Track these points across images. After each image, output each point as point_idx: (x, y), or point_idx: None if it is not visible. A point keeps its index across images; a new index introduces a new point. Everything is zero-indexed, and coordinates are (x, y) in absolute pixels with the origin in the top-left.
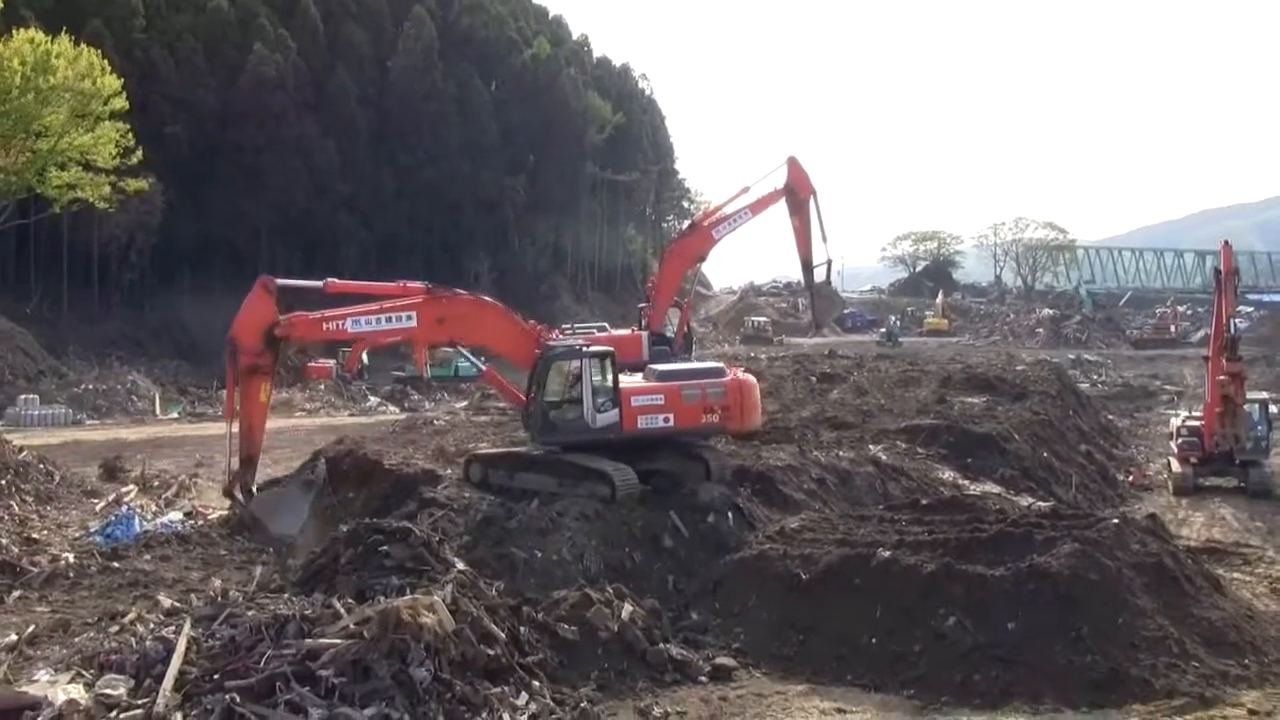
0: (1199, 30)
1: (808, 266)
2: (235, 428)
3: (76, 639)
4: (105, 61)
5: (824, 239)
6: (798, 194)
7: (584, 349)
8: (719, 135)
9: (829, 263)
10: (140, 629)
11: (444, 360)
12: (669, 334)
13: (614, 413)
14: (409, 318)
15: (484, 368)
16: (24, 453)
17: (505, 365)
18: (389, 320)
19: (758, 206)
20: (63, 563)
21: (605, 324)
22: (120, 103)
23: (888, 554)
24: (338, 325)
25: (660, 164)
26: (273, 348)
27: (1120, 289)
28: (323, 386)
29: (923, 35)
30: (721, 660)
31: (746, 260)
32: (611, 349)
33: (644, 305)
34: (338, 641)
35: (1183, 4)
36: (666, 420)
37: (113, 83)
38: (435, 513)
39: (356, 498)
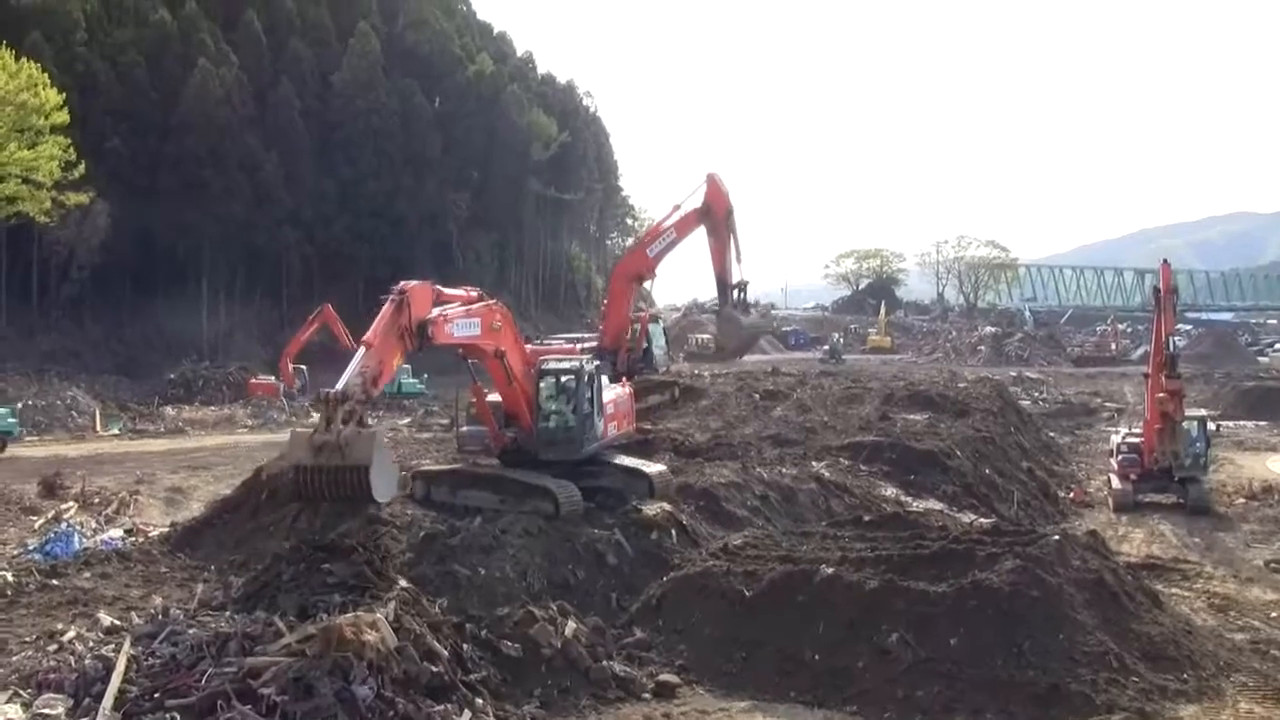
0: (1137, 52)
1: (722, 286)
2: (364, 359)
3: (14, 658)
4: (46, 75)
5: (738, 259)
6: (714, 212)
7: (597, 365)
8: (663, 152)
9: (741, 285)
10: (79, 647)
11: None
12: (632, 349)
13: (601, 423)
14: (476, 324)
15: (475, 383)
16: None
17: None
18: (468, 326)
19: (681, 226)
20: (0, 581)
21: (582, 335)
22: (61, 117)
23: (830, 571)
24: (450, 330)
25: (604, 181)
26: (419, 339)
27: (1061, 307)
28: (265, 402)
29: (866, 56)
30: (665, 677)
31: (691, 277)
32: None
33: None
34: (280, 659)
35: (1119, 27)
36: (617, 427)
37: (54, 97)
38: (378, 530)
39: (299, 514)
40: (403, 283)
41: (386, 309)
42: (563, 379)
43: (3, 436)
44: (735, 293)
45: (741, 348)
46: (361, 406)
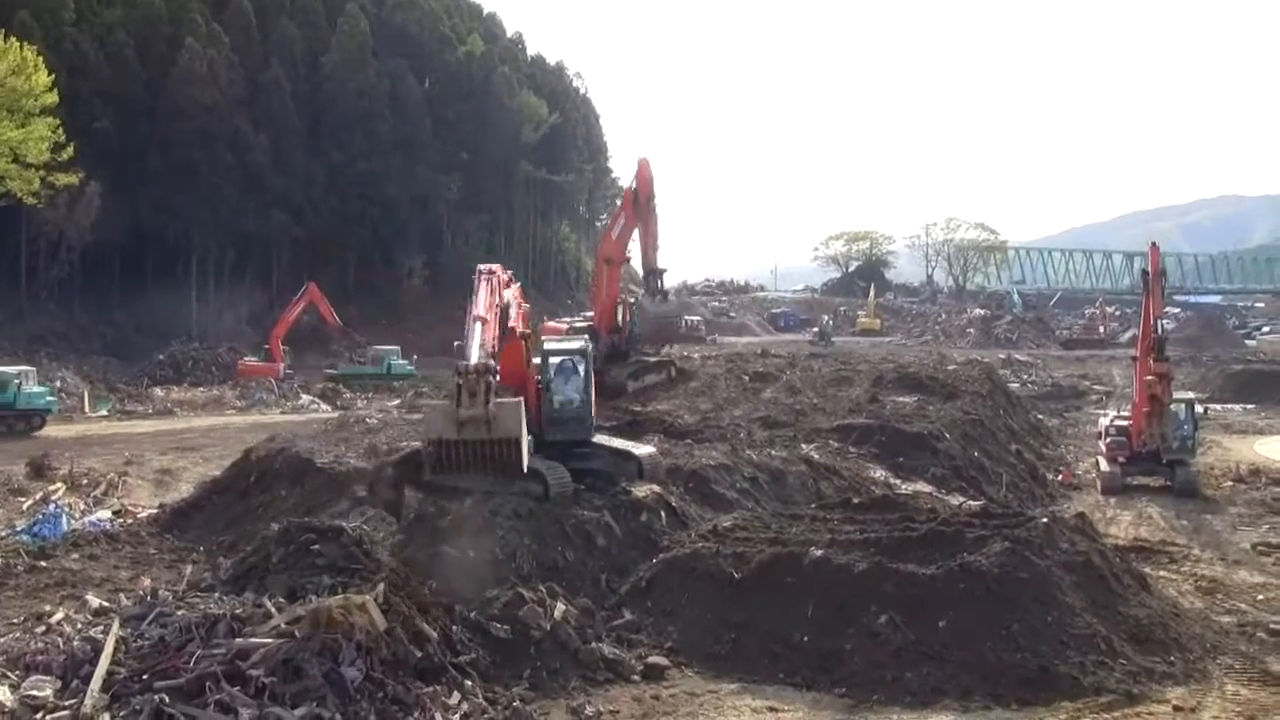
0: (1126, 34)
1: (646, 272)
2: (483, 332)
3: (2, 640)
4: (40, 58)
5: (655, 247)
6: (639, 196)
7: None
8: (653, 133)
9: (655, 274)
10: (67, 629)
11: (377, 359)
12: (619, 329)
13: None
14: (515, 306)
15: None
16: None
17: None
18: (514, 307)
19: (626, 209)
20: None
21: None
22: (51, 98)
23: (820, 553)
24: (513, 312)
25: (594, 162)
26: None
27: (1050, 289)
28: (254, 384)
29: (857, 37)
30: (654, 659)
31: (679, 259)
32: None
33: None
34: (268, 641)
35: (1108, 10)
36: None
37: (44, 79)
38: (367, 511)
39: (288, 496)
40: (482, 265)
41: (483, 287)
42: (573, 360)
43: (41, 413)
44: (650, 280)
45: (653, 336)
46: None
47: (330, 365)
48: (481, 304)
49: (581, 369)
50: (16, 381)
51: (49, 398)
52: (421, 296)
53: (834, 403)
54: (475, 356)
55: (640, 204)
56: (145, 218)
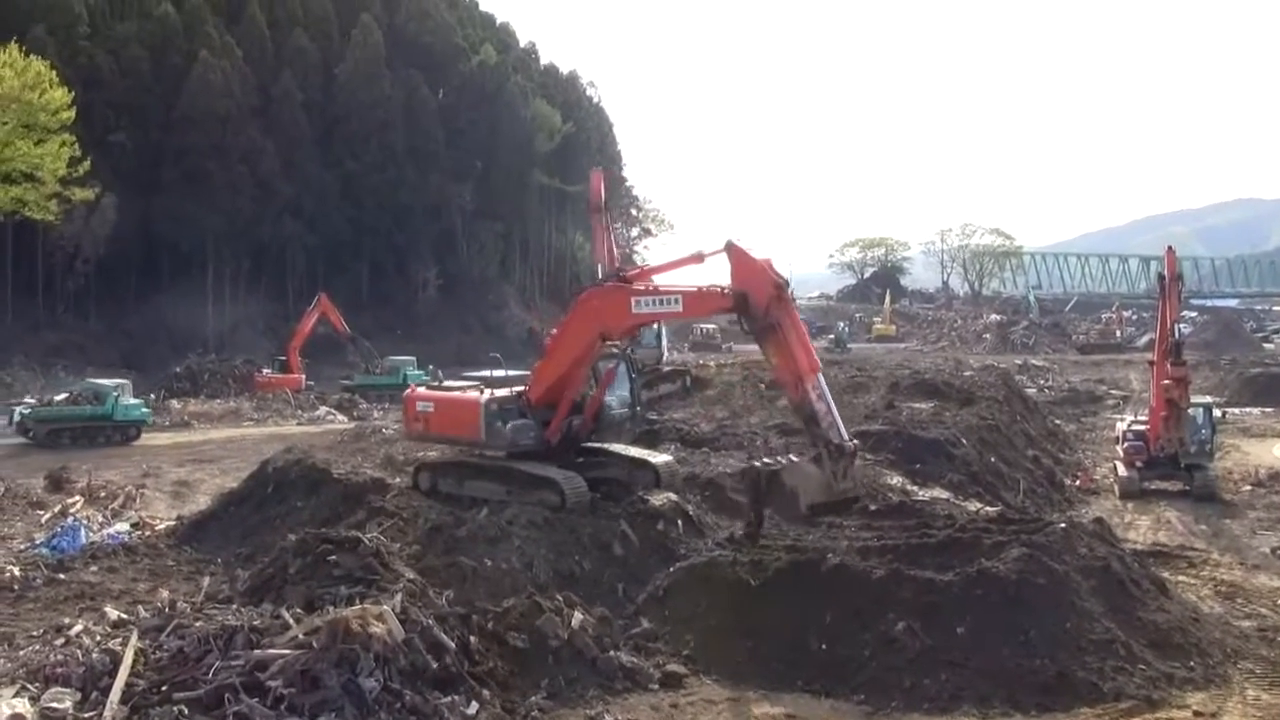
0: (1140, 38)
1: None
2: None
3: (21, 652)
4: (54, 73)
5: (608, 256)
6: (590, 204)
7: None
8: (668, 142)
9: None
10: (87, 641)
11: (392, 369)
12: None
13: None
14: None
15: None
16: None
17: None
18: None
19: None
20: (7, 575)
21: None
22: (68, 115)
23: (837, 559)
24: None
25: (607, 171)
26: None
27: (1066, 294)
28: (270, 395)
29: (872, 43)
30: (672, 667)
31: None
32: None
33: None
34: (286, 652)
35: (1124, 13)
36: None
37: (61, 96)
38: (384, 521)
39: (305, 507)
40: (771, 272)
41: (797, 315)
42: (617, 365)
43: (138, 424)
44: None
45: None
46: None
47: (346, 376)
48: (812, 349)
49: (625, 374)
50: (115, 394)
51: (144, 409)
52: (436, 306)
53: (850, 409)
54: (846, 434)
55: (591, 211)
56: (160, 229)
